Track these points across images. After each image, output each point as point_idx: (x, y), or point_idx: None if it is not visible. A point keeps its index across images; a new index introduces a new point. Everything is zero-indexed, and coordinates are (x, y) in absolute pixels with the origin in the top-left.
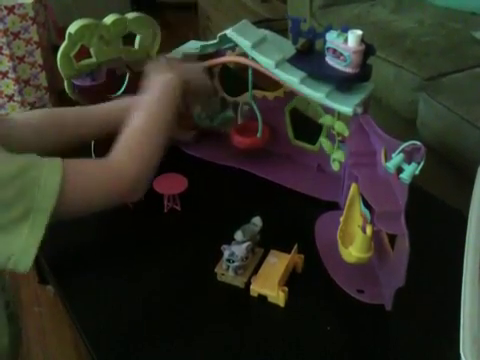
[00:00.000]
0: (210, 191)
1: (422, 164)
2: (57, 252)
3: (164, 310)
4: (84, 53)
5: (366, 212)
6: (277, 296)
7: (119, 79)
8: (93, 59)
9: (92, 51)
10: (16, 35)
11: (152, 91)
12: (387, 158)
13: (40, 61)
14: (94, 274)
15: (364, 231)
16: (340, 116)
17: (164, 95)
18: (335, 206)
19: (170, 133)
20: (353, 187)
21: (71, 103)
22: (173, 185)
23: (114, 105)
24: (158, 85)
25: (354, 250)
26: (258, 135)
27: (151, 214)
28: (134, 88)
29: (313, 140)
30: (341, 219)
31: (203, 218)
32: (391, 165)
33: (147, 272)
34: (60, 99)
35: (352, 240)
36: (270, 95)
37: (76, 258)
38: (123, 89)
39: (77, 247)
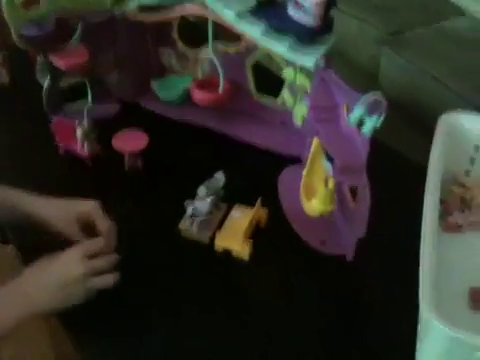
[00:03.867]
0: (171, 148)
1: (383, 117)
2: None
3: (129, 267)
4: (34, 1)
5: (328, 166)
6: (242, 250)
7: (71, 29)
8: (42, 8)
9: None
10: None
11: (33, 278)
12: (349, 112)
13: None
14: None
15: (326, 184)
16: (302, 70)
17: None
18: (298, 161)
19: None
20: (315, 141)
21: (23, 57)
22: (134, 142)
23: None
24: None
25: (317, 203)
26: (220, 90)
27: (112, 172)
28: (87, 39)
29: (276, 95)
30: (304, 173)
31: (165, 175)
32: (352, 118)
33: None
34: (13, 54)
35: (315, 193)
36: (231, 49)
37: None
38: (76, 40)
39: None
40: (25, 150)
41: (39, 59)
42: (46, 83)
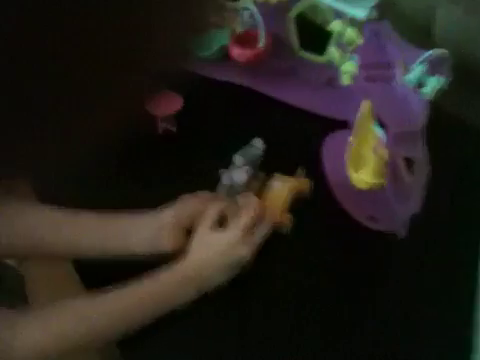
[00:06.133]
0: (207, 110)
1: (449, 77)
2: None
3: None
4: None
5: (380, 132)
6: (281, 223)
7: None
8: None
9: None
10: None
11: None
12: (406, 70)
13: None
14: (85, 201)
15: (377, 154)
16: (352, 22)
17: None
18: (345, 125)
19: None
20: (365, 104)
21: None
22: (167, 104)
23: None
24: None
25: (366, 175)
26: (260, 45)
27: (144, 136)
28: None
29: (322, 51)
30: (351, 140)
31: (200, 140)
32: (412, 77)
33: (141, 198)
34: None
35: (364, 164)
36: None
37: (64, 188)
38: None
39: (64, 175)
40: None
41: None
42: None
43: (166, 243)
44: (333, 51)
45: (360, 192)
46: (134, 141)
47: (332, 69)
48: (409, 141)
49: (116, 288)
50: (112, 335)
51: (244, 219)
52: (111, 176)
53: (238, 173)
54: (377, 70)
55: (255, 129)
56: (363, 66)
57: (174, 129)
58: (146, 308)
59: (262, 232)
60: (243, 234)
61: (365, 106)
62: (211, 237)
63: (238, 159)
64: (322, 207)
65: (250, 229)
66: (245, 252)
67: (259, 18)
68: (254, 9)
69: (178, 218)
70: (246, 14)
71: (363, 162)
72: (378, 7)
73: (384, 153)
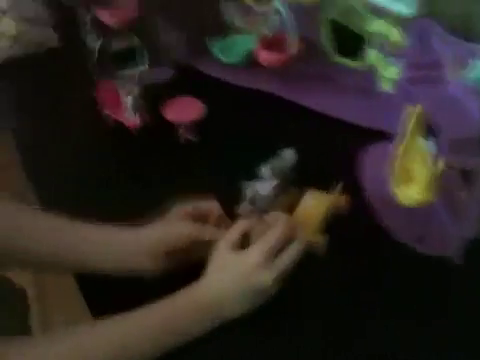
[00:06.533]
0: (232, 118)
1: None
2: (53, 196)
3: None
4: None
5: (429, 142)
6: (315, 244)
7: None
8: None
9: None
10: None
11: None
12: (459, 69)
13: None
14: (97, 211)
15: (427, 166)
16: (395, 21)
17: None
18: (386, 136)
19: None
20: (412, 110)
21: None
22: (188, 111)
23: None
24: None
25: (414, 190)
26: (289, 49)
27: (161, 146)
28: None
29: (358, 55)
30: (396, 152)
31: (224, 151)
32: (474, 75)
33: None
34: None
35: (411, 178)
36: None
37: (74, 198)
38: None
39: (74, 185)
40: (67, 118)
41: (87, 17)
42: (95, 44)
43: (139, 266)
44: (372, 54)
45: (406, 210)
46: (151, 150)
47: (371, 74)
48: (465, 150)
49: (124, 314)
50: None
51: (269, 239)
52: (126, 185)
53: (263, 186)
54: (425, 71)
55: (285, 139)
56: (408, 68)
57: (194, 138)
58: (154, 336)
59: (291, 256)
60: (267, 256)
61: (412, 113)
62: (230, 259)
63: (265, 171)
64: (362, 226)
65: (276, 251)
66: (267, 277)
67: (289, 21)
68: (284, 11)
69: (157, 242)
70: (274, 17)
71: (410, 176)
72: (425, 2)
73: (437, 165)
